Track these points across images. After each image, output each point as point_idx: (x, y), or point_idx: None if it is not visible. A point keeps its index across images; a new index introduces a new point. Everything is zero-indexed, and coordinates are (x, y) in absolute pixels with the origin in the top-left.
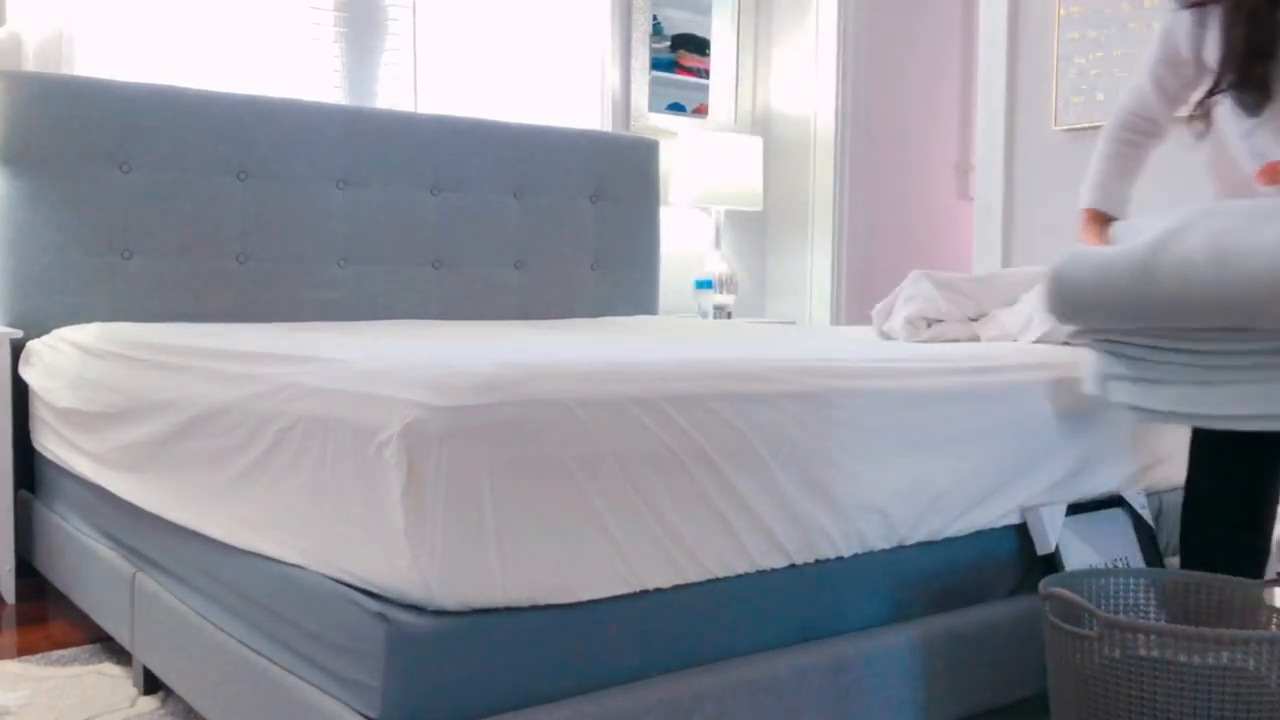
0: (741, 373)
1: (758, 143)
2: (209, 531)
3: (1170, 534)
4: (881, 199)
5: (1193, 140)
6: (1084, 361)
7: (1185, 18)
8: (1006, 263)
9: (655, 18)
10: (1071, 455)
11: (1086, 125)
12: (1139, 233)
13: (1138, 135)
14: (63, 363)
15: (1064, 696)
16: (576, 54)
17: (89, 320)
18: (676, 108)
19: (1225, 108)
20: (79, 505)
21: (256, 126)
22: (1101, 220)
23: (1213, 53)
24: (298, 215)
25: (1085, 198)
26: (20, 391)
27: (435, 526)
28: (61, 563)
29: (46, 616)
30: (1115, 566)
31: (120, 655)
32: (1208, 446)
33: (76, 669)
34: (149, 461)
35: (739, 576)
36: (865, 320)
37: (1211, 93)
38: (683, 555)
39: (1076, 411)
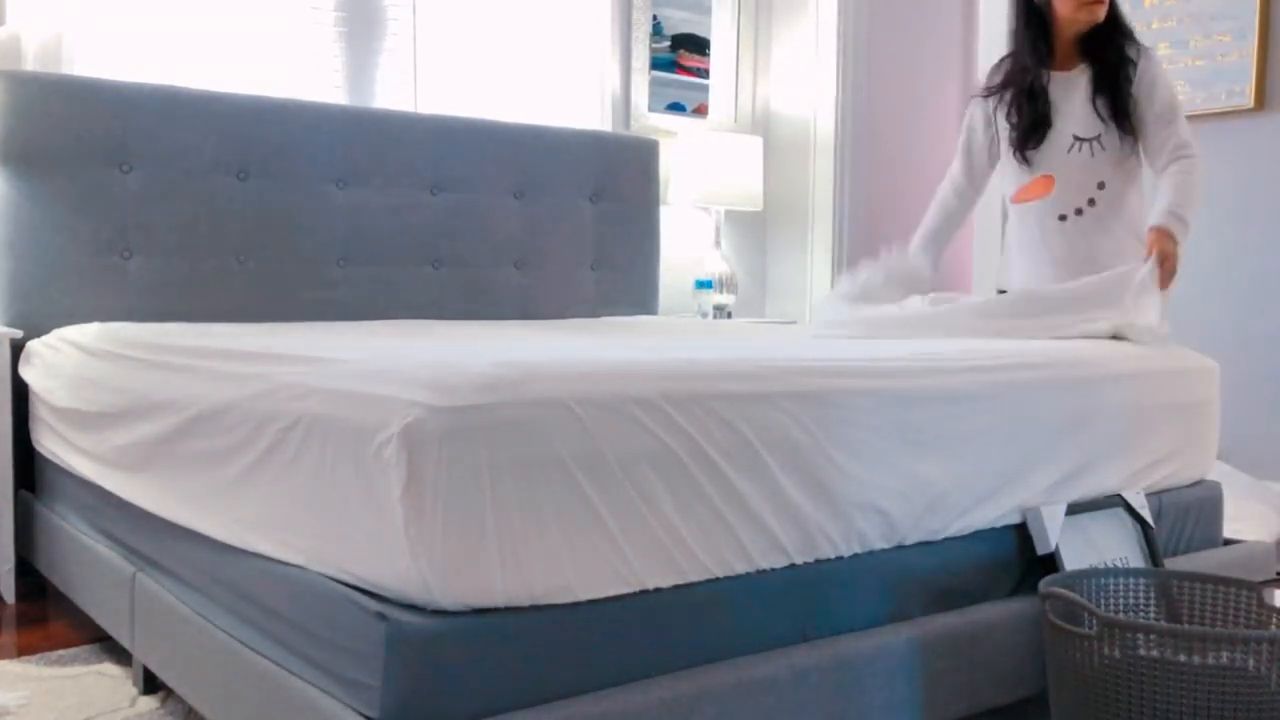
0: (741, 373)
1: (758, 142)
2: (209, 531)
3: (1170, 534)
4: (881, 199)
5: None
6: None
7: (985, 105)
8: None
9: (655, 18)
10: (1071, 455)
11: None
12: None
13: (950, 214)
14: (62, 363)
15: (1064, 696)
16: (576, 54)
17: (89, 320)
18: (676, 108)
19: (1009, 167)
20: (79, 505)
21: (256, 126)
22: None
23: (1004, 126)
24: (298, 215)
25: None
26: (20, 391)
27: (435, 526)
28: (61, 563)
29: (46, 616)
30: (1115, 566)
31: (120, 655)
32: None
33: (76, 669)
34: (149, 461)
35: (739, 576)
36: None
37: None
38: (683, 555)
39: (1076, 411)
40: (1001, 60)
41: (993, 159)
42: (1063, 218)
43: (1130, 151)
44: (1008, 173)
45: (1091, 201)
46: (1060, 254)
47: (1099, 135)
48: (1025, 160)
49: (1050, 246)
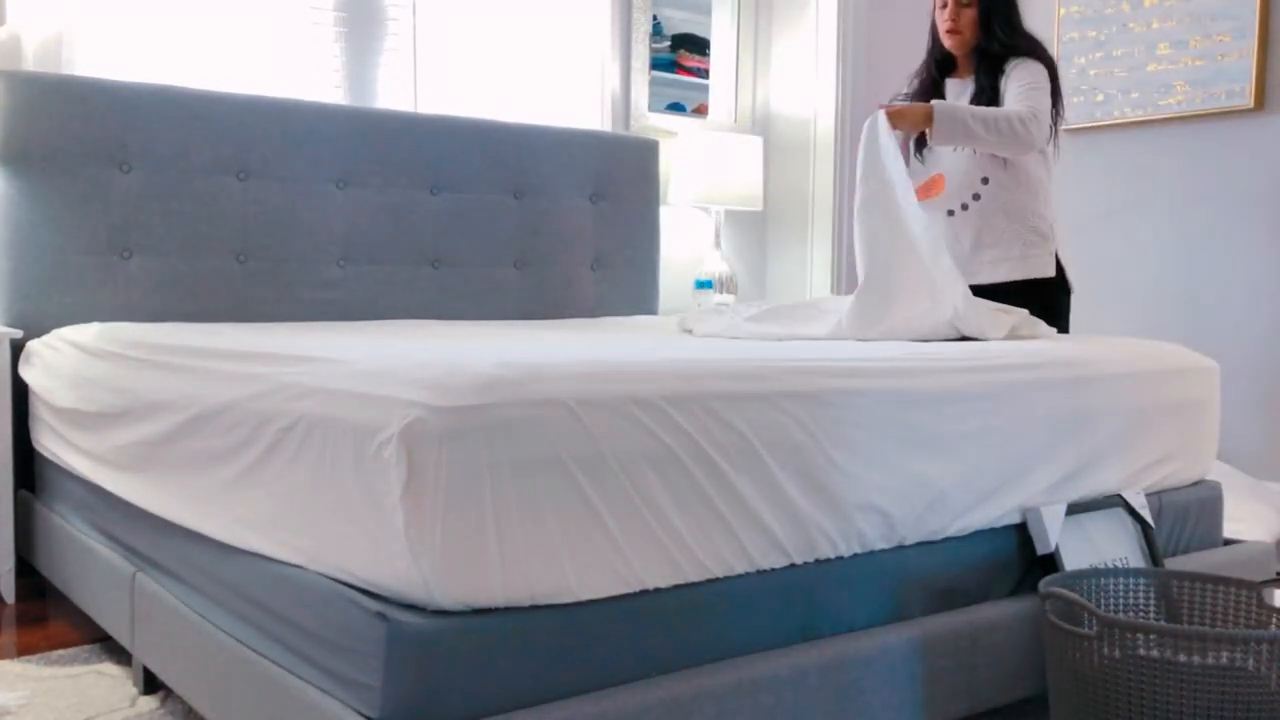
0: (741, 373)
1: (758, 142)
2: (209, 531)
3: (1170, 534)
4: None
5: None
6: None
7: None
8: None
9: (655, 18)
10: (1071, 455)
11: (1087, 125)
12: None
13: None
14: (62, 363)
15: (1064, 696)
16: (576, 54)
17: (89, 320)
18: (676, 108)
19: (914, 166)
20: (79, 505)
21: (256, 126)
22: None
23: None
24: (298, 215)
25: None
26: (20, 391)
27: (435, 526)
28: (61, 563)
29: (46, 616)
30: (1115, 566)
31: (120, 655)
32: None
33: (76, 669)
34: (149, 461)
35: (739, 576)
36: None
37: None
38: (683, 555)
39: (1076, 411)
40: (918, 70)
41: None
42: (950, 213)
43: (1010, 160)
44: (913, 171)
45: (976, 196)
46: (948, 240)
47: None
48: (921, 158)
49: (944, 239)
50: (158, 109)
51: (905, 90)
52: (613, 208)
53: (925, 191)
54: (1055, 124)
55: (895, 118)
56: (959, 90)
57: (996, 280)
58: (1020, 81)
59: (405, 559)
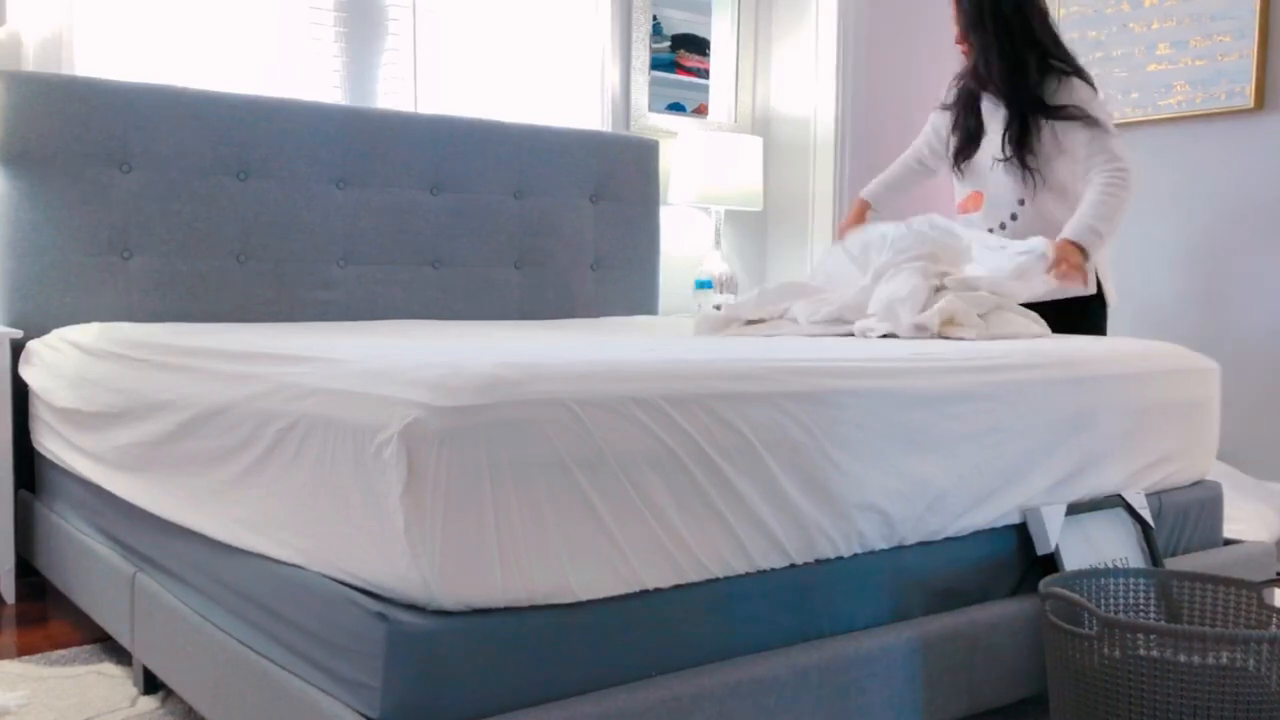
0: (741, 373)
1: (758, 142)
2: (209, 531)
3: (1170, 534)
4: None
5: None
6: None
7: (944, 115)
8: None
9: (655, 18)
10: (1071, 455)
11: None
12: (871, 234)
13: (911, 171)
14: (63, 363)
15: (1064, 696)
16: (576, 54)
17: (89, 320)
18: (676, 108)
19: (953, 178)
20: (79, 505)
21: (256, 126)
22: (865, 207)
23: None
24: (298, 215)
25: (863, 191)
26: (20, 391)
27: (435, 526)
28: (61, 563)
29: (46, 616)
30: (1115, 566)
31: (120, 655)
32: None
33: (76, 669)
34: (149, 461)
35: (739, 576)
36: None
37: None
38: (683, 555)
39: (1076, 411)
40: (958, 75)
41: (943, 162)
42: (990, 230)
43: (1043, 179)
44: (954, 184)
45: (1014, 216)
46: (989, 264)
47: (1011, 159)
48: (960, 172)
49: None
50: (158, 109)
51: (946, 101)
52: (613, 208)
53: (964, 207)
54: None
55: (1067, 276)
56: (994, 111)
57: (1036, 298)
58: (1076, 111)
59: (405, 559)
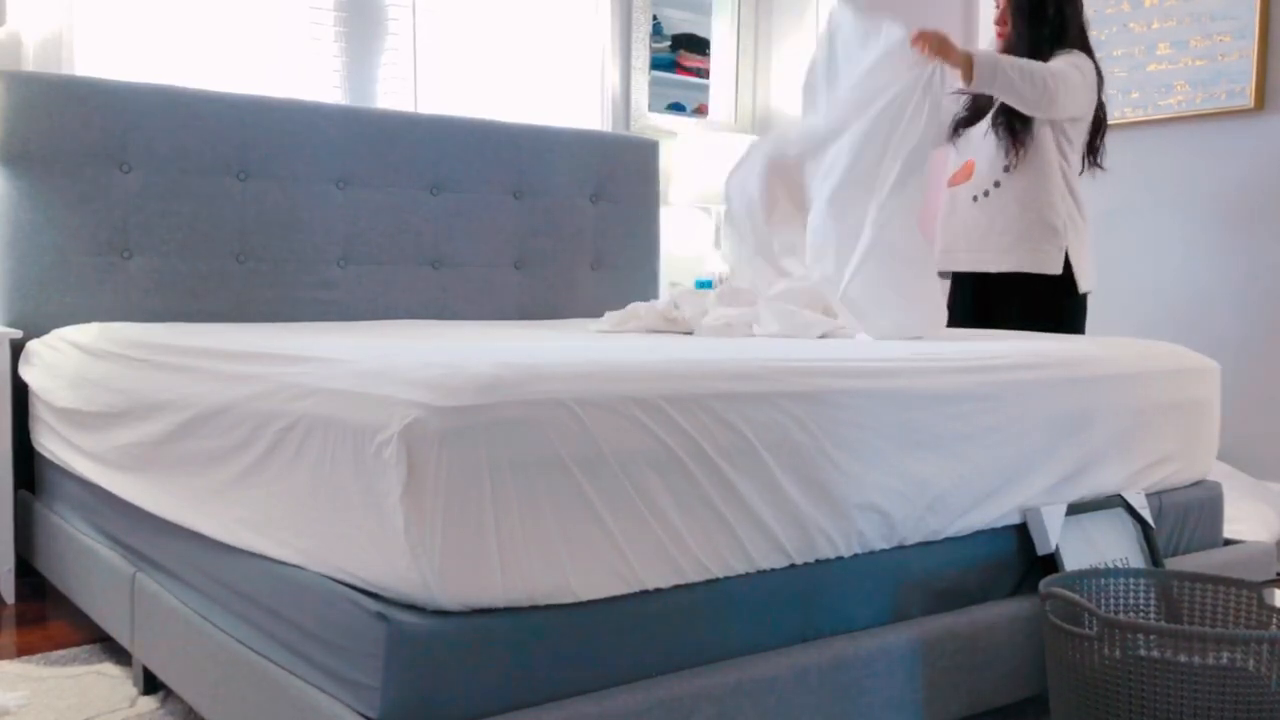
0: (741, 373)
1: None
2: (209, 531)
3: (1170, 534)
4: None
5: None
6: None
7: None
8: None
9: (655, 18)
10: (1071, 455)
11: None
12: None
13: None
14: (63, 363)
15: (1064, 696)
16: (576, 54)
17: (89, 320)
18: (676, 108)
19: (950, 152)
20: (79, 505)
21: (256, 126)
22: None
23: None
24: (297, 215)
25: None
26: (20, 391)
27: (435, 526)
28: (61, 563)
29: (46, 616)
30: (1115, 566)
31: (120, 655)
32: None
33: (76, 669)
34: (149, 461)
35: (739, 576)
36: None
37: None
38: (683, 555)
39: (1076, 411)
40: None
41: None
42: (974, 198)
43: (1026, 151)
44: (950, 157)
45: (997, 184)
46: (968, 225)
47: (1001, 123)
48: (956, 139)
49: (963, 219)
50: (158, 109)
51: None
52: (613, 208)
53: (957, 178)
54: (1100, 125)
55: (939, 48)
56: None
57: (1003, 269)
58: (1060, 60)
59: (405, 559)
